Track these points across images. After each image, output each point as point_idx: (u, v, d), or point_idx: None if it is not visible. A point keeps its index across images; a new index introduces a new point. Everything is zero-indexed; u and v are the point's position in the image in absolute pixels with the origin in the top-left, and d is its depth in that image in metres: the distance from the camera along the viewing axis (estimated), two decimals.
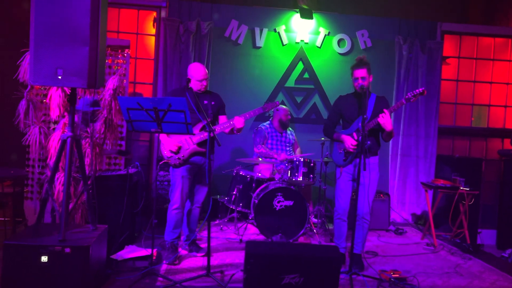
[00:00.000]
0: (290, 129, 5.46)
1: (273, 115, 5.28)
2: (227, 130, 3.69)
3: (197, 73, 3.68)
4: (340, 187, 3.74)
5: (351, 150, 3.58)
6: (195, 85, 3.68)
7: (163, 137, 3.66)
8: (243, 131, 5.63)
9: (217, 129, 3.63)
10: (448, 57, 6.16)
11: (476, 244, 4.73)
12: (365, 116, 3.37)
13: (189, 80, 3.63)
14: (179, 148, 3.63)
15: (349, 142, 3.59)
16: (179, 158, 3.62)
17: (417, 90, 3.54)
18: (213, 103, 3.77)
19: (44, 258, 2.65)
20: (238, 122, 3.63)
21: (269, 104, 3.85)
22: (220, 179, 5.51)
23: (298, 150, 5.44)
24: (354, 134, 3.62)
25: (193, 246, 3.90)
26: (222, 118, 3.84)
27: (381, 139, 3.77)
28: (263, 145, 5.13)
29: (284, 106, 5.30)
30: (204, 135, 3.60)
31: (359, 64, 3.61)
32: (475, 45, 6.20)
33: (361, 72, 3.58)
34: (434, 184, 4.76)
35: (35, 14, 2.68)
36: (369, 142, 3.49)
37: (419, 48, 5.84)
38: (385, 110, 3.47)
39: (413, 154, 5.92)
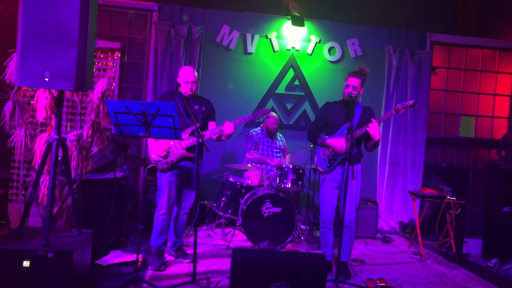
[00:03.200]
0: (281, 135, 5.46)
1: (264, 121, 5.29)
2: (214, 137, 3.64)
3: (184, 75, 3.63)
4: (324, 195, 3.72)
5: (343, 152, 3.56)
6: (183, 87, 3.64)
7: (151, 141, 3.61)
8: (233, 136, 5.63)
9: (206, 134, 3.59)
10: (437, 67, 6.23)
11: (462, 254, 4.76)
12: (351, 124, 3.38)
13: (179, 85, 3.62)
14: (168, 152, 3.59)
15: (339, 145, 3.57)
16: (167, 163, 3.59)
17: (407, 102, 3.53)
18: (203, 108, 3.73)
19: (27, 263, 2.59)
20: (228, 128, 3.58)
21: (260, 111, 3.82)
22: (208, 184, 5.48)
23: (288, 156, 5.44)
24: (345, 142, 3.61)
25: (180, 252, 3.86)
26: (211, 124, 3.81)
27: (363, 149, 3.77)
28: (255, 151, 5.12)
29: (274, 114, 5.29)
30: (193, 140, 3.58)
31: (356, 73, 3.61)
32: (464, 56, 6.29)
33: (355, 81, 3.58)
34: (422, 193, 4.79)
35: (23, 15, 2.64)
36: (355, 150, 3.50)
37: (409, 57, 5.90)
38: (373, 120, 3.47)
39: (401, 163, 5.96)
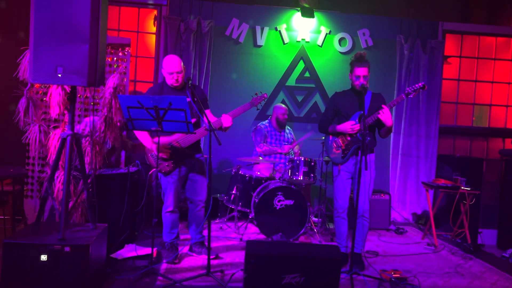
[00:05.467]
0: (289, 127, 5.45)
1: (272, 113, 5.28)
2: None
3: (167, 65, 3.47)
4: (338, 185, 3.71)
5: (355, 131, 3.54)
6: (168, 79, 3.51)
7: (148, 143, 3.52)
8: (243, 129, 5.65)
9: (199, 132, 3.53)
10: (449, 57, 6.14)
11: (477, 244, 4.72)
12: (363, 113, 3.35)
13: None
14: (170, 153, 3.52)
15: (349, 125, 3.54)
16: (168, 165, 3.56)
17: (417, 85, 3.50)
18: (195, 99, 3.49)
19: (44, 257, 2.64)
20: (226, 121, 3.49)
21: (257, 97, 3.74)
22: (219, 178, 5.49)
23: (296, 148, 5.43)
24: (354, 122, 3.58)
25: (203, 248, 3.77)
26: (206, 112, 3.60)
27: (377, 135, 3.74)
28: (264, 143, 5.12)
29: (282, 105, 5.28)
30: (192, 138, 3.52)
31: (361, 61, 3.55)
32: (477, 45, 6.19)
33: (364, 71, 3.53)
34: (435, 184, 4.75)
35: (35, 12, 2.66)
36: (368, 138, 3.47)
37: (421, 47, 5.82)
38: (384, 106, 3.44)
39: (414, 154, 5.91)
